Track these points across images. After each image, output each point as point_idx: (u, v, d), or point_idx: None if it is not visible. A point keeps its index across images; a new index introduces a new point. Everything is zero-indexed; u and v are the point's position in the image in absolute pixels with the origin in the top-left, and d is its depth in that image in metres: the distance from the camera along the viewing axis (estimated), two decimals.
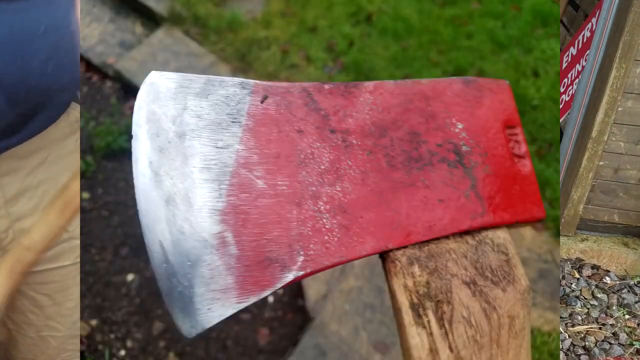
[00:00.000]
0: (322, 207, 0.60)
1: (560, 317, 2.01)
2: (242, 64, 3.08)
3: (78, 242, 1.04)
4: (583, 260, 2.23)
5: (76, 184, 0.90)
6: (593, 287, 2.12)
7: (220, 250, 0.55)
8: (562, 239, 2.23)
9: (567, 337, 1.92)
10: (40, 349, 1.09)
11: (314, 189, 0.60)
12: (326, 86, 0.66)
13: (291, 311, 2.17)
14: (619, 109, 1.96)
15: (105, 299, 2.10)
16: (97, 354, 1.94)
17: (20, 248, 0.87)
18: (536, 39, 3.48)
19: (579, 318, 1.99)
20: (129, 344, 1.99)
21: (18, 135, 0.87)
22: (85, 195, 2.44)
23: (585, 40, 2.00)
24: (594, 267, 2.21)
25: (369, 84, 0.67)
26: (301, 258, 0.57)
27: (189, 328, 0.55)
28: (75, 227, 1.02)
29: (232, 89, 0.61)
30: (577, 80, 2.04)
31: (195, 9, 3.30)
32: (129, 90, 2.89)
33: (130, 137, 0.58)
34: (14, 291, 1.03)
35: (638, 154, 2.05)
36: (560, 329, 1.96)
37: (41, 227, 0.87)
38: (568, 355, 1.87)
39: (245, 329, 2.08)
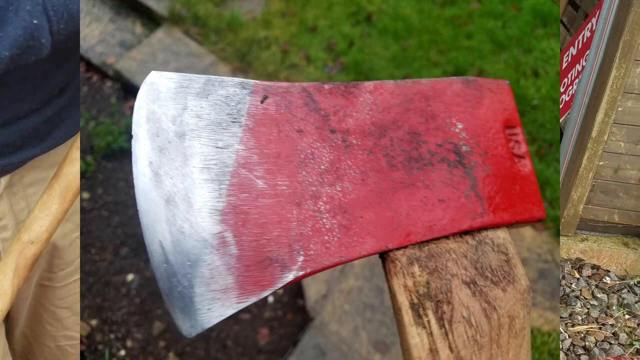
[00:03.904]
0: (322, 207, 0.60)
1: (560, 317, 2.01)
2: (242, 64, 3.08)
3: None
4: (583, 260, 2.23)
5: (73, 167, 0.89)
6: (593, 287, 2.12)
7: (220, 250, 0.55)
8: (562, 239, 2.23)
9: (567, 337, 1.92)
10: (58, 357, 1.09)
11: (314, 189, 0.60)
12: (326, 86, 0.65)
13: (291, 311, 2.17)
14: (619, 109, 1.96)
15: (105, 299, 2.10)
16: (97, 354, 1.94)
17: (21, 243, 0.86)
18: (536, 39, 3.48)
19: (579, 318, 1.99)
20: (129, 344, 1.99)
21: (42, 145, 0.87)
22: (85, 195, 2.44)
23: (585, 40, 2.00)
24: (594, 267, 2.21)
25: (369, 84, 0.67)
26: (301, 258, 0.57)
27: (189, 328, 0.55)
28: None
29: (232, 89, 0.61)
30: (577, 80, 2.04)
31: (195, 9, 3.30)
32: (129, 90, 2.90)
33: (130, 137, 0.58)
34: (36, 303, 1.03)
35: (638, 154, 2.05)
36: (560, 329, 1.96)
37: (43, 217, 0.86)
38: (568, 355, 1.87)
39: (245, 329, 2.08)
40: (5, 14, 0.66)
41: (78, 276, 1.05)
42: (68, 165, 0.88)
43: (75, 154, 0.89)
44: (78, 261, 1.03)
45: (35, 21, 0.68)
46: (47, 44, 0.71)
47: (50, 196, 0.87)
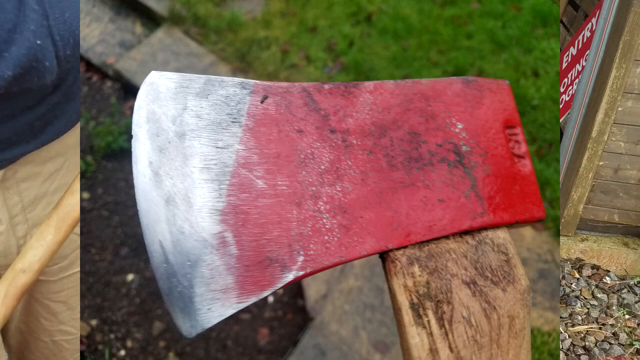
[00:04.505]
0: (322, 207, 0.60)
1: (560, 317, 2.01)
2: (242, 64, 3.08)
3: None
4: (583, 260, 2.23)
5: (73, 198, 0.90)
6: (593, 287, 2.12)
7: (220, 250, 0.55)
8: (562, 239, 2.23)
9: (567, 337, 1.92)
10: (53, 352, 1.10)
11: (314, 189, 0.60)
12: (326, 86, 0.66)
13: (291, 311, 2.17)
14: (619, 109, 1.96)
15: (105, 299, 2.10)
16: (97, 354, 1.94)
17: (14, 271, 0.86)
18: (536, 39, 3.48)
19: (579, 318, 1.99)
20: (129, 344, 1.99)
21: (36, 141, 0.87)
22: (85, 195, 2.44)
23: (585, 40, 2.00)
24: (594, 267, 2.21)
25: (369, 84, 0.67)
26: (301, 258, 0.57)
27: (189, 328, 0.55)
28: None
29: (232, 89, 0.61)
30: (577, 80, 2.04)
31: (195, 9, 3.30)
32: (129, 90, 2.90)
33: (130, 137, 0.58)
34: (29, 297, 1.04)
35: (638, 154, 2.06)
36: (560, 329, 1.96)
37: (37, 247, 0.87)
38: (568, 355, 1.87)
39: (245, 329, 2.09)
40: (12, 35, 0.67)
41: (74, 271, 1.04)
42: (68, 196, 0.89)
43: (76, 185, 0.90)
44: (74, 256, 1.03)
45: (38, 42, 0.69)
46: (52, 69, 0.72)
47: (47, 226, 0.88)
